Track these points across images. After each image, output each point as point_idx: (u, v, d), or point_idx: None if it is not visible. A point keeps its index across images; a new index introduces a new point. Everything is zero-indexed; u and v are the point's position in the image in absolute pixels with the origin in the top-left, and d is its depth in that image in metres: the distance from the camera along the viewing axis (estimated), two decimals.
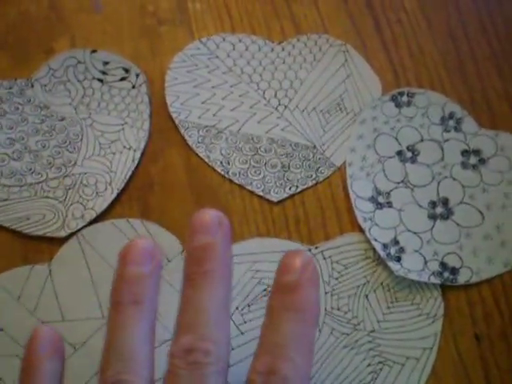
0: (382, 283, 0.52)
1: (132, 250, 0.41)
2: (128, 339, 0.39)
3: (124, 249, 0.41)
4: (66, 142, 0.56)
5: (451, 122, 0.57)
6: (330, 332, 0.51)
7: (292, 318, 0.38)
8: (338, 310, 0.52)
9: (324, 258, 0.52)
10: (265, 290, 0.51)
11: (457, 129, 0.56)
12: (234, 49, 0.59)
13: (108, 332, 0.40)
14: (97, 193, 0.54)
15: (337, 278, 0.52)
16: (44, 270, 0.52)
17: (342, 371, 0.50)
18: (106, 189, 0.54)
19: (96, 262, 0.52)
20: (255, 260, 0.52)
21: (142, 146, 0.56)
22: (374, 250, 0.53)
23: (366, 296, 0.52)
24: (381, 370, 0.50)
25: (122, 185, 0.54)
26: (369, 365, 0.50)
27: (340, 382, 0.50)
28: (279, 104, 0.58)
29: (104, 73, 0.58)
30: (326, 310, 0.52)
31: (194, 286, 0.39)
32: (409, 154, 0.55)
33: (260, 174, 0.55)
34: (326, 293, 0.52)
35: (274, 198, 0.54)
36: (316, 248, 0.53)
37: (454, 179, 0.55)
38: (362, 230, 0.53)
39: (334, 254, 0.53)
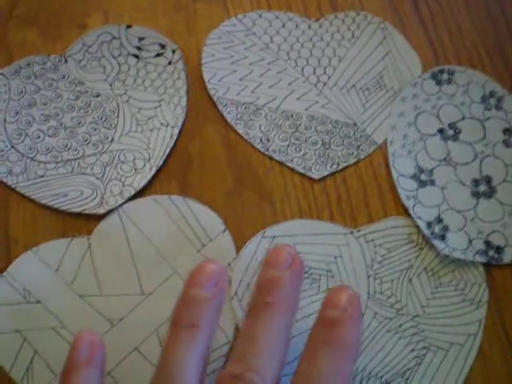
0: (425, 268, 0.52)
1: (198, 273, 0.44)
2: (178, 363, 0.41)
3: (192, 270, 0.44)
4: (102, 118, 0.55)
5: (492, 101, 0.56)
6: (373, 316, 0.50)
7: (330, 352, 0.41)
8: (381, 294, 0.51)
9: (366, 242, 0.52)
10: (306, 272, 0.51)
11: (498, 107, 0.56)
12: (270, 25, 0.59)
13: (162, 350, 0.42)
14: (135, 169, 0.53)
15: (380, 262, 0.51)
16: (83, 243, 0.52)
17: (386, 356, 0.50)
18: (144, 166, 0.53)
19: (136, 238, 0.51)
20: (296, 242, 0.52)
21: (180, 122, 0.55)
22: (417, 234, 0.52)
23: (410, 280, 0.51)
24: (425, 355, 0.50)
25: (161, 162, 0.54)
26: (413, 350, 0.50)
27: (383, 367, 0.49)
28: (318, 81, 0.57)
29: (139, 48, 0.57)
30: (368, 293, 0.51)
31: (254, 316, 0.42)
32: (450, 132, 0.55)
33: (300, 151, 0.54)
34: (368, 276, 0.51)
35: (315, 175, 0.54)
36: (358, 231, 0.52)
37: (497, 157, 0.54)
38: (404, 209, 0.52)
39: (376, 238, 0.52)
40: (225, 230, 0.52)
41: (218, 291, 0.44)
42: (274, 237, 0.51)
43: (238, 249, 0.52)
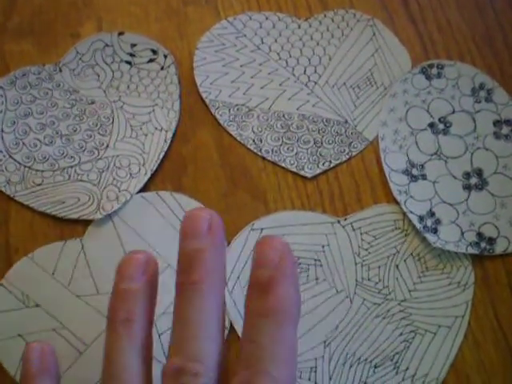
0: (411, 253, 0.53)
1: (125, 265, 0.42)
2: (121, 361, 0.39)
3: (119, 263, 0.42)
4: (97, 125, 0.56)
5: (482, 93, 0.56)
6: (362, 302, 0.51)
7: (268, 323, 0.37)
8: (369, 280, 0.52)
9: (353, 230, 0.53)
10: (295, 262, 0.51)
11: (488, 99, 0.56)
12: (261, 27, 0.59)
13: (104, 351, 0.40)
14: (130, 174, 0.54)
15: (366, 249, 0.53)
16: (77, 245, 0.53)
17: (375, 340, 0.51)
18: (139, 170, 0.54)
19: (127, 234, 0.53)
20: (285, 233, 0.53)
21: (174, 126, 0.56)
22: (403, 220, 0.54)
23: (397, 266, 0.52)
24: (413, 338, 0.51)
25: (155, 166, 0.55)
26: (401, 334, 0.51)
27: (372, 352, 0.50)
28: (309, 80, 0.58)
29: (132, 55, 0.58)
30: (356, 280, 0.52)
31: (184, 299, 0.39)
32: (441, 126, 0.55)
33: (293, 150, 0.55)
34: (356, 264, 0.52)
35: (308, 173, 0.54)
36: (345, 220, 0.53)
37: (487, 149, 0.55)
38: (397, 204, 0.53)
39: (363, 225, 0.53)
40: None
41: (146, 280, 0.42)
42: (262, 229, 0.53)
43: None
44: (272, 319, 0.37)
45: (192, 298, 0.38)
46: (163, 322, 0.50)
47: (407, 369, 0.50)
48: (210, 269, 0.39)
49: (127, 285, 0.41)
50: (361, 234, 0.52)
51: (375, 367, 0.49)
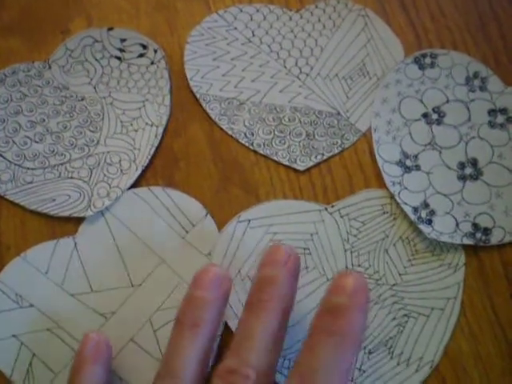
0: (400, 237, 0.52)
1: (202, 276, 0.45)
2: (181, 358, 0.43)
3: (197, 273, 0.46)
4: (87, 121, 0.56)
5: (476, 82, 0.56)
6: None
7: (332, 343, 0.40)
8: (359, 266, 0.52)
9: (341, 216, 0.52)
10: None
11: (482, 88, 0.56)
12: (251, 19, 0.59)
13: (167, 347, 0.44)
14: (121, 171, 0.54)
15: (355, 235, 0.52)
16: (69, 243, 0.52)
17: (368, 326, 0.50)
18: (130, 166, 0.54)
19: (120, 232, 0.52)
20: (272, 223, 0.52)
21: (164, 121, 0.56)
22: (391, 204, 0.53)
23: (386, 250, 0.52)
24: (406, 322, 0.50)
25: (147, 161, 0.54)
26: (394, 318, 0.51)
27: (366, 337, 0.50)
28: (300, 72, 0.57)
29: (122, 50, 0.58)
30: (347, 267, 0.52)
31: (250, 313, 0.44)
32: (435, 116, 0.55)
33: (285, 143, 0.54)
34: (345, 250, 0.52)
35: (300, 166, 0.54)
36: (332, 207, 0.53)
37: (482, 139, 0.54)
38: (385, 188, 0.53)
39: (350, 212, 0.53)
40: (206, 215, 0.53)
41: (220, 293, 0.46)
42: (249, 220, 0.52)
43: None
44: (336, 339, 0.41)
45: (258, 314, 0.43)
46: (159, 319, 0.50)
47: (402, 353, 0.49)
48: (281, 294, 0.44)
49: (201, 293, 0.45)
50: (349, 220, 0.52)
51: (369, 353, 0.49)
